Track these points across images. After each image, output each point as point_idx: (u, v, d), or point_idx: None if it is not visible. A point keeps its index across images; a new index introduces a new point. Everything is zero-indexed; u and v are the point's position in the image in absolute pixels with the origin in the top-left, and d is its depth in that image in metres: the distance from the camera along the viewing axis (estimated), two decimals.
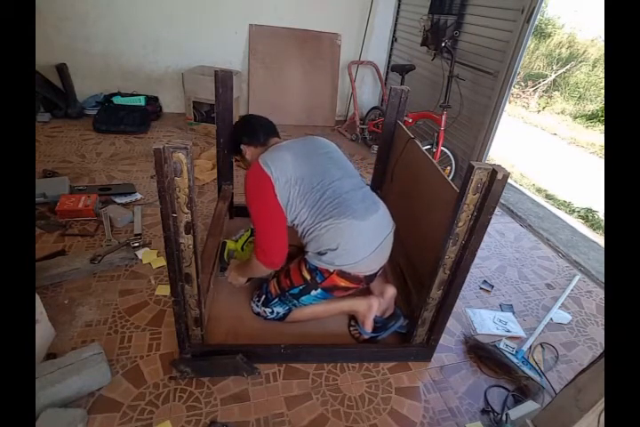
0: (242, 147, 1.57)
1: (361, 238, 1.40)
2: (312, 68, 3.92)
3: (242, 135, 1.58)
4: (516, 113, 6.46)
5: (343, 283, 1.44)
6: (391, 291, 1.60)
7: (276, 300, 1.52)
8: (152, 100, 3.69)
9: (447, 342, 1.65)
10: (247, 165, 1.60)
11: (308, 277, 1.44)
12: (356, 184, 1.48)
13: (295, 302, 1.50)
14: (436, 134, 2.78)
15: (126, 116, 3.34)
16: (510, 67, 2.45)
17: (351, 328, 1.61)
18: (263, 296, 1.55)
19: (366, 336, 1.53)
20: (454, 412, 1.38)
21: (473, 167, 1.05)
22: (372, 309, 1.53)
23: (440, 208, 1.44)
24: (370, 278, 1.50)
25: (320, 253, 1.40)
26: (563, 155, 4.96)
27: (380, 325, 1.55)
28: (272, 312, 1.54)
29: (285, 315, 1.54)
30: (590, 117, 6.17)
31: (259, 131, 1.56)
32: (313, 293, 1.47)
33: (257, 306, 1.57)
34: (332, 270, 1.41)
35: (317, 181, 1.40)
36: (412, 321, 1.51)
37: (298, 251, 1.57)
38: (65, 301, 1.62)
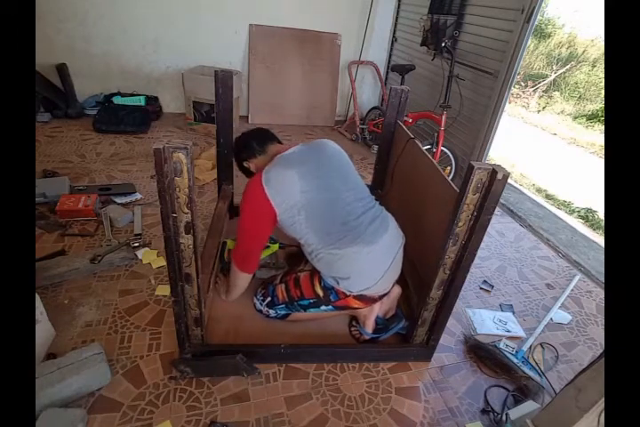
0: (245, 164, 1.55)
1: (373, 263, 1.38)
2: (312, 68, 3.92)
3: (240, 154, 1.55)
4: (516, 113, 6.47)
5: (356, 304, 1.44)
6: (396, 290, 1.59)
7: (283, 305, 1.51)
8: (152, 100, 3.69)
9: (447, 342, 1.65)
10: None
11: (321, 294, 1.43)
12: (365, 205, 1.42)
13: (302, 310, 1.49)
14: (435, 134, 2.78)
15: (126, 116, 3.33)
16: (510, 67, 2.45)
17: (352, 328, 1.61)
18: (269, 298, 1.53)
19: (367, 337, 1.53)
20: (454, 412, 1.38)
21: (473, 167, 1.05)
22: (373, 309, 1.52)
23: (440, 208, 1.44)
24: (384, 296, 1.50)
25: (334, 279, 1.39)
26: (563, 155, 4.96)
27: (381, 326, 1.55)
28: (275, 313, 1.54)
29: (287, 314, 1.54)
30: (590, 117, 6.17)
31: (251, 142, 1.51)
32: (323, 307, 1.46)
33: (260, 304, 1.56)
34: (348, 294, 1.40)
35: (327, 208, 1.35)
36: (411, 321, 1.51)
37: (299, 250, 1.56)
38: (65, 301, 1.62)
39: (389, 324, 1.55)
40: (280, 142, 1.56)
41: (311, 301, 1.45)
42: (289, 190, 1.32)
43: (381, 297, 1.48)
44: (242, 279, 1.53)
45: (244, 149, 1.52)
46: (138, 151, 3.05)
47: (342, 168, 1.45)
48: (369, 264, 1.37)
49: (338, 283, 1.39)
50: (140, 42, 3.53)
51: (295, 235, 1.40)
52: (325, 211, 1.35)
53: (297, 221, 1.34)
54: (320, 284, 1.42)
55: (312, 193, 1.33)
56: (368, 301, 1.44)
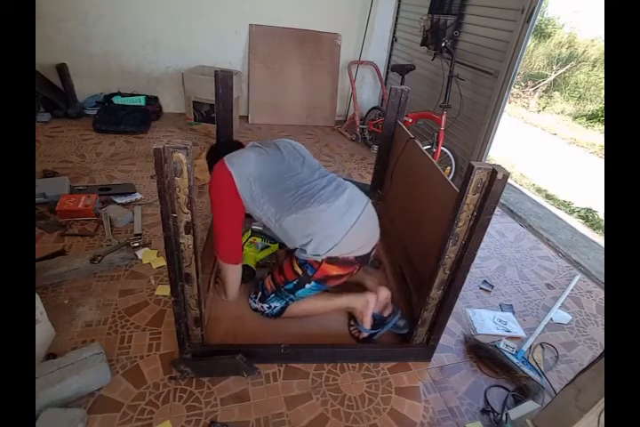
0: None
1: (332, 219, 1.41)
2: (312, 68, 3.92)
3: (214, 159, 1.58)
4: (516, 113, 6.47)
5: (335, 271, 1.45)
6: (384, 293, 1.60)
7: (273, 295, 1.53)
8: (152, 100, 3.69)
9: (447, 342, 1.65)
10: None
11: (300, 272, 1.47)
12: (318, 175, 1.52)
13: (292, 296, 1.51)
14: (435, 134, 2.78)
15: (126, 116, 3.33)
16: (510, 67, 2.45)
17: (351, 328, 1.61)
18: (260, 293, 1.56)
19: (365, 333, 1.53)
20: (454, 412, 1.38)
21: (473, 167, 1.05)
22: (369, 304, 1.53)
23: (440, 208, 1.44)
24: (363, 259, 1.49)
25: (303, 250, 1.42)
26: (563, 155, 4.97)
27: (378, 321, 1.55)
28: (269, 307, 1.55)
29: (283, 309, 1.55)
30: (590, 117, 6.17)
31: (221, 151, 1.60)
32: (307, 286, 1.48)
33: (254, 302, 1.58)
34: (319, 260, 1.43)
35: (278, 176, 1.45)
36: (412, 321, 1.51)
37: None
38: (65, 301, 1.62)
39: (386, 318, 1.55)
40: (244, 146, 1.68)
41: (294, 282, 1.48)
42: (246, 163, 1.45)
43: (361, 261, 1.48)
44: (231, 272, 1.55)
45: (215, 156, 1.61)
46: (138, 151, 3.05)
47: (295, 151, 1.58)
48: (327, 221, 1.40)
49: (305, 252, 1.41)
50: (140, 42, 3.53)
51: (256, 210, 1.45)
52: (277, 180, 1.45)
53: (255, 193, 1.42)
54: (297, 262, 1.47)
55: (266, 165, 1.47)
56: (344, 264, 1.45)
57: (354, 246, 1.44)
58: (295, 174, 1.47)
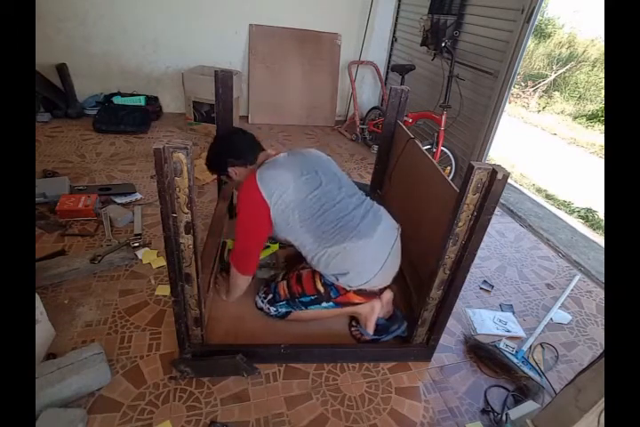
0: (229, 170, 1.49)
1: (369, 256, 1.39)
2: (312, 68, 3.92)
3: (228, 157, 1.47)
4: (516, 113, 6.47)
5: (357, 300, 1.45)
6: (387, 295, 1.60)
7: (284, 302, 1.52)
8: (152, 100, 3.69)
9: (447, 342, 1.65)
10: (237, 184, 1.55)
11: (322, 291, 1.44)
12: (356, 201, 1.45)
13: (303, 307, 1.50)
14: (435, 134, 2.78)
15: (126, 116, 3.33)
16: (510, 67, 2.45)
17: (352, 329, 1.61)
18: (271, 295, 1.54)
19: (368, 338, 1.53)
20: (454, 412, 1.38)
21: (473, 167, 1.05)
22: (374, 311, 1.52)
23: (440, 208, 1.44)
24: (384, 289, 1.50)
25: (334, 276, 1.41)
26: (563, 155, 4.97)
27: (382, 327, 1.55)
28: (276, 310, 1.54)
29: (288, 313, 1.54)
30: (590, 117, 6.17)
31: (247, 151, 1.48)
32: (324, 304, 1.47)
33: (262, 302, 1.56)
34: (348, 289, 1.42)
35: (318, 206, 1.37)
36: (411, 321, 1.51)
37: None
38: (65, 301, 1.62)
39: (390, 326, 1.55)
40: (264, 149, 1.55)
41: (312, 297, 1.46)
42: (283, 189, 1.34)
43: (382, 291, 1.49)
44: (242, 281, 1.54)
45: (237, 154, 1.47)
46: (138, 151, 3.05)
47: (329, 169, 1.49)
48: (365, 257, 1.38)
49: (337, 279, 1.40)
50: (140, 42, 3.53)
51: (291, 236, 1.41)
52: (317, 209, 1.37)
53: (291, 221, 1.36)
54: (321, 280, 1.44)
55: (304, 193, 1.36)
56: (368, 295, 1.45)
57: (382, 281, 1.45)
58: (335, 203, 1.39)
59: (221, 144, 1.54)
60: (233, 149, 1.49)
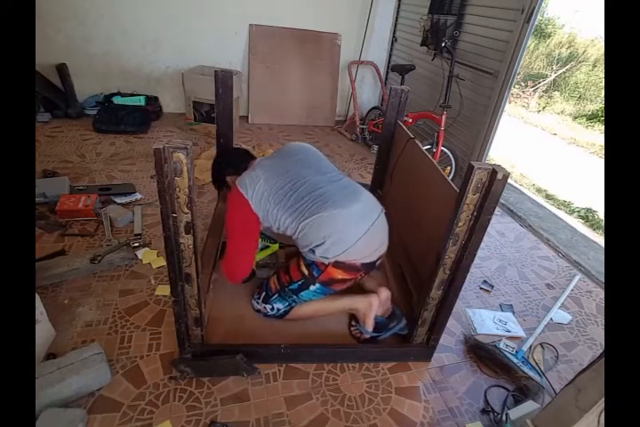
0: (227, 178, 1.67)
1: (345, 225, 1.41)
2: (312, 68, 3.92)
3: (226, 169, 1.66)
4: (516, 113, 6.47)
5: (340, 275, 1.46)
6: (384, 293, 1.59)
7: (276, 296, 1.53)
8: (152, 100, 3.69)
9: (447, 342, 1.65)
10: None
11: (306, 272, 1.47)
12: (330, 178, 1.51)
13: (295, 297, 1.51)
14: (435, 134, 2.78)
15: (126, 116, 3.33)
16: (510, 67, 2.45)
17: (352, 328, 1.61)
18: (263, 293, 1.57)
19: (367, 335, 1.53)
20: (454, 412, 1.38)
21: (473, 167, 1.05)
22: (372, 307, 1.53)
23: (440, 208, 1.44)
24: (368, 267, 1.50)
25: (312, 251, 1.43)
26: (563, 155, 4.97)
27: (381, 325, 1.55)
28: (272, 309, 1.55)
29: (286, 312, 1.55)
30: (590, 117, 6.18)
31: (240, 160, 1.65)
32: (312, 287, 1.48)
33: (257, 303, 1.58)
34: (327, 263, 1.43)
35: (288, 186, 1.44)
36: (411, 321, 1.51)
37: (297, 251, 1.57)
38: (65, 301, 1.62)
39: (389, 323, 1.55)
40: (254, 157, 1.70)
41: (299, 282, 1.49)
42: (255, 182, 1.44)
43: (366, 268, 1.49)
44: (231, 282, 1.59)
45: (233, 165, 1.65)
46: (138, 151, 3.05)
47: (304, 157, 1.58)
48: (340, 226, 1.40)
49: (314, 253, 1.42)
50: (140, 42, 3.53)
51: (274, 225, 1.47)
52: (288, 189, 1.43)
53: (269, 209, 1.43)
54: (304, 262, 1.48)
55: (274, 179, 1.45)
56: (350, 270, 1.46)
57: (362, 254, 1.45)
58: (306, 181, 1.46)
59: (218, 159, 1.76)
60: (227, 161, 1.70)
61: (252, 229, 1.48)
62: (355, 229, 1.42)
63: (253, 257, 1.56)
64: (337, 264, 1.43)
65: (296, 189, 1.43)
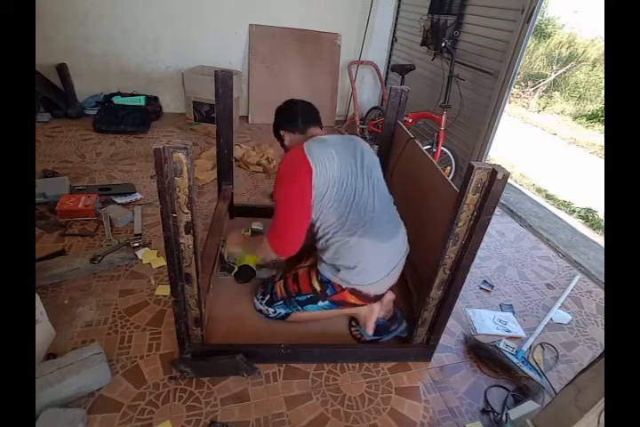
0: (281, 132, 1.53)
1: (380, 261, 1.40)
2: (312, 68, 3.92)
3: (282, 121, 1.53)
4: (516, 113, 6.47)
5: (352, 300, 1.44)
6: (388, 295, 1.59)
7: (281, 302, 1.52)
8: (152, 100, 3.69)
9: (447, 342, 1.65)
10: (285, 150, 1.56)
11: (318, 289, 1.44)
12: (385, 204, 1.47)
13: (299, 307, 1.50)
14: (435, 134, 2.78)
15: (126, 116, 3.33)
16: (510, 67, 2.45)
17: (352, 329, 1.61)
18: (268, 296, 1.55)
19: (368, 338, 1.53)
20: (454, 412, 1.38)
21: (473, 167, 1.05)
22: (373, 311, 1.52)
23: (440, 208, 1.44)
24: (378, 298, 1.50)
25: (335, 268, 1.40)
26: (563, 155, 4.96)
27: (381, 328, 1.55)
28: (274, 312, 1.54)
29: (287, 314, 1.54)
30: (590, 117, 6.17)
31: (298, 118, 1.51)
32: (320, 303, 1.47)
33: (260, 304, 1.56)
34: (344, 287, 1.41)
35: (353, 192, 1.36)
36: (411, 321, 1.51)
37: (301, 252, 1.56)
38: (65, 301, 1.62)
39: (390, 325, 1.55)
40: (321, 127, 1.56)
41: (308, 296, 1.46)
42: (329, 164, 1.32)
43: (375, 298, 1.48)
44: (272, 256, 1.48)
45: (288, 120, 1.52)
46: (138, 151, 3.05)
47: (373, 164, 1.48)
48: (375, 260, 1.39)
49: (338, 271, 1.38)
50: (140, 42, 3.53)
51: (316, 214, 1.37)
52: (351, 195, 1.36)
53: (326, 197, 1.33)
54: (317, 277, 1.44)
55: (346, 174, 1.35)
56: (363, 298, 1.44)
57: (380, 289, 1.46)
58: (368, 197, 1.38)
59: (282, 107, 1.58)
60: (288, 112, 1.53)
61: (307, 198, 1.33)
62: (386, 266, 1.42)
63: (305, 228, 1.39)
64: (353, 291, 1.42)
65: (357, 200, 1.35)
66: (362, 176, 1.40)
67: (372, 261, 1.38)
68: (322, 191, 1.32)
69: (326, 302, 1.46)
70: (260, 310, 1.57)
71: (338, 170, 1.33)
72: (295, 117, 1.50)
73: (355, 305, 1.48)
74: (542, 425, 1.14)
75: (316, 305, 1.47)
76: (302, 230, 1.38)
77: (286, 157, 1.39)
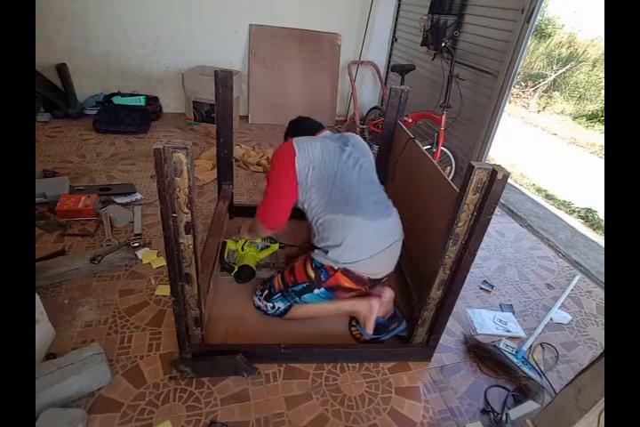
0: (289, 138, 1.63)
1: (367, 238, 1.42)
2: (312, 69, 3.92)
3: (292, 131, 1.69)
4: (516, 113, 6.47)
5: (347, 283, 1.45)
6: (388, 294, 1.60)
7: (279, 295, 1.54)
8: (152, 100, 3.69)
9: (447, 342, 1.65)
10: None
11: (313, 275, 1.46)
12: (374, 189, 1.52)
13: (297, 298, 1.51)
14: (435, 134, 2.78)
15: (126, 116, 3.33)
16: (510, 67, 2.45)
17: (352, 328, 1.61)
18: (266, 291, 1.57)
19: (367, 337, 1.53)
20: (454, 412, 1.38)
21: (473, 167, 1.05)
22: (373, 309, 1.52)
23: (440, 208, 1.44)
24: (373, 283, 1.50)
25: (325, 251, 1.43)
26: (563, 155, 4.96)
27: (381, 326, 1.55)
28: (273, 307, 1.55)
29: (286, 310, 1.55)
30: (590, 117, 6.17)
31: (305, 130, 1.64)
32: (316, 291, 1.48)
33: (259, 299, 1.58)
34: (336, 268, 1.43)
35: (335, 173, 1.43)
36: (411, 321, 1.51)
37: (299, 252, 1.57)
38: (65, 301, 1.62)
39: (390, 324, 1.55)
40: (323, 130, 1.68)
41: (304, 284, 1.48)
42: (311, 149, 1.44)
43: (372, 282, 1.49)
44: (264, 233, 1.62)
45: (299, 132, 1.63)
46: (138, 151, 3.05)
47: (356, 154, 1.54)
48: (362, 237, 1.41)
49: (327, 253, 1.42)
50: (140, 42, 3.53)
51: (302, 196, 1.46)
52: (332, 175, 1.43)
53: (309, 178, 1.42)
54: (311, 265, 1.48)
55: (329, 159, 1.45)
56: (357, 281, 1.45)
57: (371, 270, 1.46)
58: (352, 180, 1.46)
59: (292, 121, 1.77)
60: (296, 127, 1.71)
61: (291, 180, 1.44)
62: (373, 244, 1.43)
63: (289, 206, 1.49)
64: (346, 272, 1.43)
65: (340, 181, 1.43)
66: (346, 161, 1.48)
67: (358, 236, 1.40)
68: (305, 171, 1.42)
69: (322, 290, 1.47)
70: (259, 307, 1.58)
71: (320, 153, 1.44)
72: (301, 129, 1.65)
73: (350, 291, 1.49)
74: (542, 425, 1.14)
75: (313, 294, 1.49)
76: (287, 205, 1.48)
77: (278, 146, 1.52)
